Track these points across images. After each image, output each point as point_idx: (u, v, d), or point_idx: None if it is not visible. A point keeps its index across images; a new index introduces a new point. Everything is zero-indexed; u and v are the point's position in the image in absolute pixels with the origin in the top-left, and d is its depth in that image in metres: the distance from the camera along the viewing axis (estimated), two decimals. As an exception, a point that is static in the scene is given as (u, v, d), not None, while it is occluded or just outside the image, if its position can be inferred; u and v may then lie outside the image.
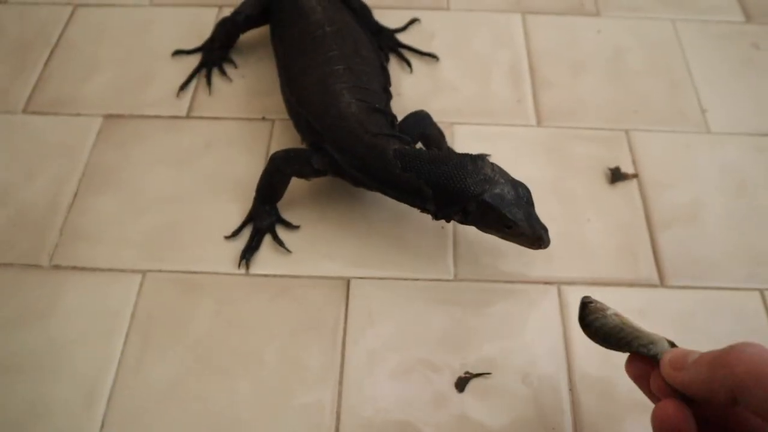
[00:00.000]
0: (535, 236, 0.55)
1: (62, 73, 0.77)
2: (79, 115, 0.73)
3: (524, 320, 0.58)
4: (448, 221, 0.58)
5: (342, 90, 0.61)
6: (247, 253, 0.61)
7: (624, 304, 0.58)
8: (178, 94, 0.74)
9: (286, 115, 0.70)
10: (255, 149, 0.70)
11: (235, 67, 0.77)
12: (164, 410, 0.54)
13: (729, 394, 0.33)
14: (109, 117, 0.73)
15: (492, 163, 0.57)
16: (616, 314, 0.44)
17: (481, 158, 0.56)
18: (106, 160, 0.69)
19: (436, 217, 0.58)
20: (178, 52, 0.79)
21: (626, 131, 0.71)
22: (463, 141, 0.70)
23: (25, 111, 0.74)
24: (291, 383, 0.55)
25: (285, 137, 0.70)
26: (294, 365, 0.56)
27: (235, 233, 0.63)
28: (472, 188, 0.54)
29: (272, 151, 0.67)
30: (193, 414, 0.53)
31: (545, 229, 0.55)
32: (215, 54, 0.77)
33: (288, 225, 0.63)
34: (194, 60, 0.78)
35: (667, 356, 0.38)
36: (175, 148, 0.70)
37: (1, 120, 0.73)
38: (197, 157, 0.69)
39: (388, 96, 0.66)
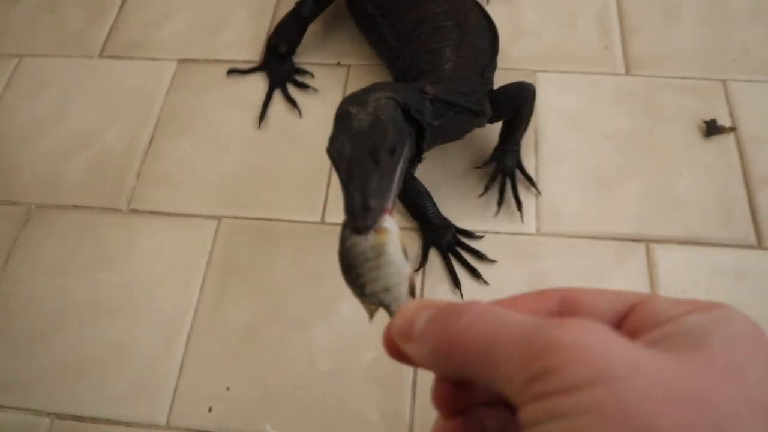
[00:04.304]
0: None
1: (137, 16, 0.77)
2: (153, 59, 0.73)
3: (609, 279, 0.56)
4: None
5: (445, 47, 0.58)
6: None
7: (717, 265, 0.56)
8: (259, 125, 0.67)
9: (362, 60, 0.68)
10: (330, 95, 0.68)
11: (312, 76, 0.70)
12: (240, 356, 0.54)
13: (461, 378, 0.25)
14: (183, 61, 0.72)
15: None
16: (388, 244, 0.33)
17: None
18: (180, 104, 0.69)
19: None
20: (233, 71, 0.71)
21: (723, 81, 0.67)
22: (546, 90, 0.66)
23: (101, 55, 0.74)
24: (368, 335, 0.54)
25: (361, 83, 0.68)
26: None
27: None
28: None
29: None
30: (269, 361, 0.53)
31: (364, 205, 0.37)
32: (282, 67, 0.70)
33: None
34: None
35: (398, 318, 0.28)
36: (249, 93, 0.69)
37: (79, 64, 0.73)
38: (273, 102, 0.68)
39: (495, 52, 0.62)
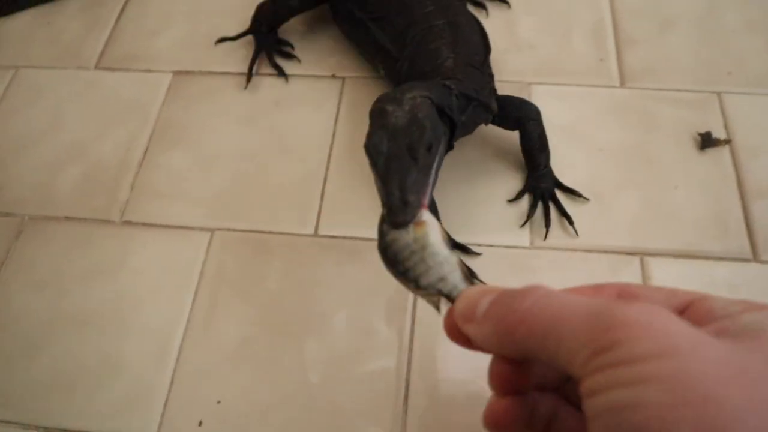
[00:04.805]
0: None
1: (134, 28, 0.77)
2: (149, 71, 0.73)
3: (603, 292, 0.55)
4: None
5: (441, 46, 0.58)
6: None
7: (713, 279, 0.55)
8: (246, 86, 0.70)
9: (357, 73, 0.68)
10: (325, 107, 0.68)
11: (292, 47, 0.72)
12: (232, 369, 0.53)
13: (522, 355, 0.26)
14: (178, 73, 0.72)
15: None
16: (429, 235, 0.33)
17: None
18: (175, 116, 0.69)
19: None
20: (222, 40, 0.73)
21: (718, 93, 0.66)
22: (541, 102, 0.66)
23: (97, 67, 0.74)
24: (360, 348, 0.54)
25: (356, 95, 0.68)
26: (363, 330, 0.54)
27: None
28: None
29: (342, 109, 0.66)
30: (261, 374, 0.53)
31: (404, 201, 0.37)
32: (267, 37, 0.72)
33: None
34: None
35: (459, 302, 0.30)
36: (244, 106, 0.69)
37: (75, 76, 0.73)
38: (266, 114, 0.68)
39: (487, 49, 0.63)
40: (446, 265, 0.33)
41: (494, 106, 0.58)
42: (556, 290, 0.26)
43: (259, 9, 0.72)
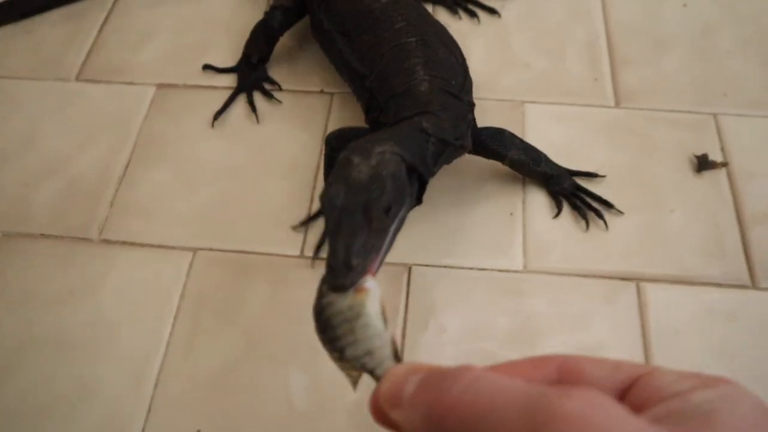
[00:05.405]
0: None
1: (117, 39, 0.75)
2: (132, 83, 0.71)
3: (598, 319, 0.54)
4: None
5: (414, 66, 0.56)
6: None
7: (710, 306, 0.54)
8: (212, 124, 0.66)
9: (346, 89, 0.66)
10: (312, 123, 0.66)
11: (279, 88, 0.69)
12: (213, 398, 0.51)
13: None
14: (162, 86, 0.70)
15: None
16: (366, 305, 0.31)
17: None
18: (158, 131, 0.67)
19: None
20: (207, 67, 0.71)
21: (714, 115, 0.65)
22: (535, 121, 0.65)
23: (78, 78, 0.72)
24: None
25: (344, 111, 0.67)
26: (350, 356, 0.52)
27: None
28: None
29: (330, 126, 0.64)
30: (244, 403, 0.51)
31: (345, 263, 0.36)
32: (253, 74, 0.69)
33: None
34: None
35: (385, 382, 0.27)
36: (229, 121, 0.67)
37: (55, 87, 0.71)
38: (252, 130, 0.66)
39: (465, 70, 0.60)
40: (377, 339, 0.30)
41: (469, 144, 0.56)
42: (489, 373, 0.23)
43: (249, 40, 0.70)
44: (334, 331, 0.31)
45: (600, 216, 0.58)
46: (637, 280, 0.56)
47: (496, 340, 0.53)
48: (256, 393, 0.51)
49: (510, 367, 0.26)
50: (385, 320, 0.31)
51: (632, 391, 0.23)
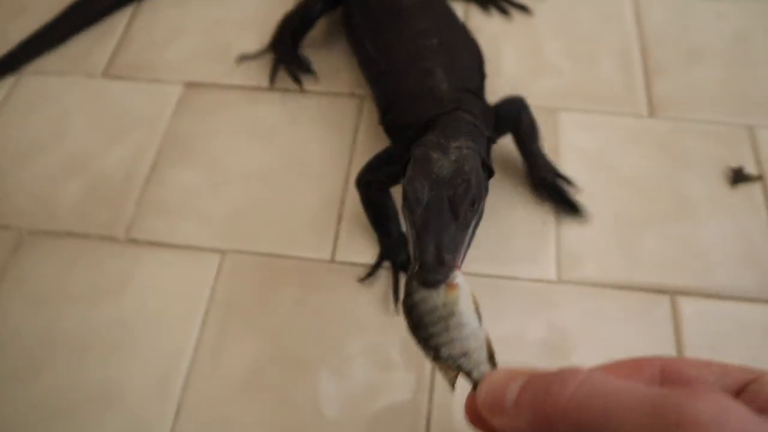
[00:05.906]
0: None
1: (144, 36, 0.74)
2: (159, 81, 0.70)
3: (632, 331, 0.53)
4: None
5: (435, 68, 0.55)
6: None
7: (748, 322, 0.53)
8: (271, 83, 0.68)
9: (375, 91, 0.65)
10: (343, 125, 0.65)
11: (312, 70, 0.69)
12: (242, 401, 0.50)
13: None
14: (190, 85, 0.69)
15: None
16: (459, 302, 0.31)
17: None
18: (185, 130, 0.66)
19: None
20: (244, 58, 0.71)
21: (749, 127, 0.64)
22: (566, 130, 0.64)
23: (104, 75, 0.71)
24: (377, 382, 0.51)
25: (376, 115, 0.66)
26: (381, 362, 0.52)
27: None
28: None
29: (361, 129, 0.64)
30: (272, 407, 0.50)
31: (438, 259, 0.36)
32: (288, 50, 0.70)
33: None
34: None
35: (483, 389, 0.27)
36: (258, 121, 0.66)
37: (81, 83, 0.70)
38: (281, 131, 0.65)
39: (482, 75, 0.60)
40: (473, 339, 0.30)
41: (497, 139, 0.56)
42: (598, 374, 0.23)
43: (284, 20, 0.70)
44: (427, 330, 0.31)
45: (571, 213, 0.58)
46: (671, 293, 0.55)
47: (528, 351, 0.52)
48: (285, 398, 0.50)
49: (613, 368, 0.25)
50: (479, 318, 0.31)
51: (743, 397, 0.22)
